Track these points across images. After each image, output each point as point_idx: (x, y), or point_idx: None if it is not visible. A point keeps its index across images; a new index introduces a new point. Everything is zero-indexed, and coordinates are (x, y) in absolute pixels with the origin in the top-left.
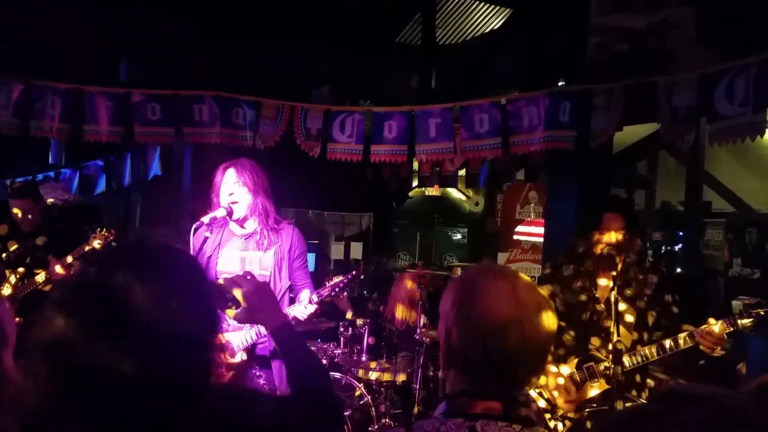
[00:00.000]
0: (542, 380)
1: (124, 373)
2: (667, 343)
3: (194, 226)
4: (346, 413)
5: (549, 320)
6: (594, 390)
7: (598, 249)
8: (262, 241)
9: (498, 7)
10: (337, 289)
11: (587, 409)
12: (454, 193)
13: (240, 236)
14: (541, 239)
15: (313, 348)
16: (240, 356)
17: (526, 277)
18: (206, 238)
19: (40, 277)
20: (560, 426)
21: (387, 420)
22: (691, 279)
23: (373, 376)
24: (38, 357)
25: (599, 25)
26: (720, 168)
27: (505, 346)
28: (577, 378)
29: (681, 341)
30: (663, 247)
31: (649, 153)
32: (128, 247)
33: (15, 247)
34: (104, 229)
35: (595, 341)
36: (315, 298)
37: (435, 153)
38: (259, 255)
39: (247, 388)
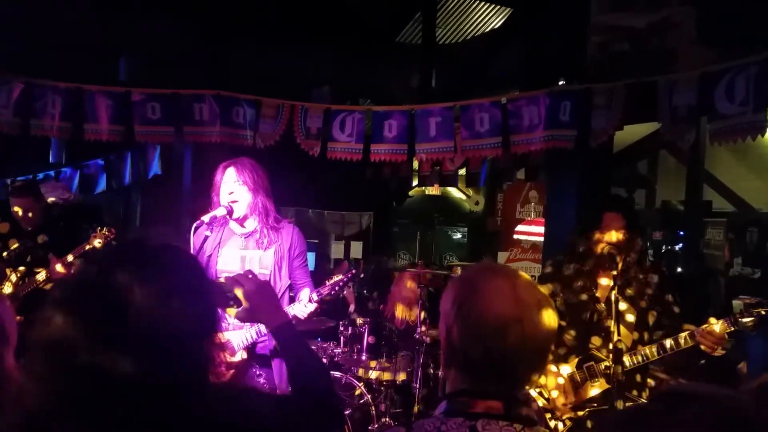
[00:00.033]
0: (542, 380)
1: (124, 372)
2: (668, 342)
3: (194, 225)
4: (347, 412)
5: (549, 318)
6: (594, 389)
7: (599, 248)
8: (262, 240)
9: (498, 7)
10: (336, 288)
11: (588, 409)
12: (454, 192)
13: (240, 235)
14: (542, 239)
15: (313, 347)
16: (240, 355)
17: (526, 276)
18: (206, 237)
19: (41, 275)
20: (560, 426)
21: (387, 419)
22: (691, 278)
23: (373, 375)
24: (38, 356)
25: (599, 25)
26: (720, 167)
27: (506, 345)
28: (578, 377)
29: (681, 341)
30: (663, 247)
31: (650, 152)
32: (128, 246)
33: (16, 245)
34: (105, 228)
35: (596, 341)
36: (315, 297)
37: (435, 152)
38: (259, 254)
39: (247, 387)
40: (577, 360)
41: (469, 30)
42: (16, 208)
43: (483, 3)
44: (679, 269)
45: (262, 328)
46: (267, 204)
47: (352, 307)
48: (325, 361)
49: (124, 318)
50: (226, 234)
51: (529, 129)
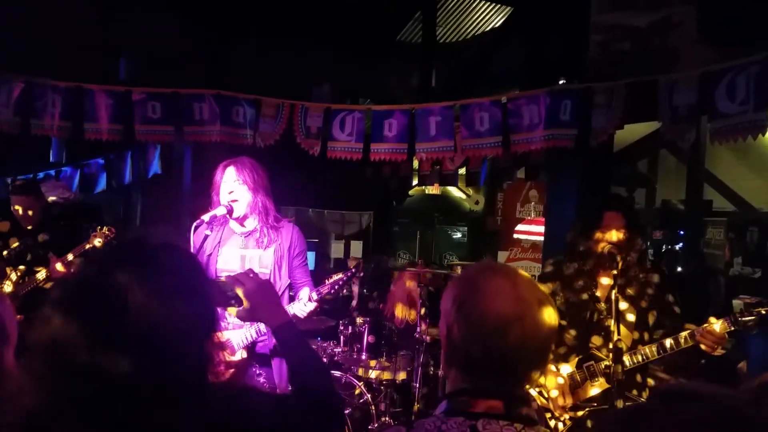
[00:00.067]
0: (542, 379)
1: (124, 371)
2: (668, 342)
3: (194, 224)
4: (347, 411)
5: (550, 317)
6: (594, 389)
7: (599, 247)
8: (262, 239)
9: (499, 6)
10: (336, 287)
11: (588, 408)
12: (454, 191)
13: (240, 234)
14: (542, 238)
15: (313, 346)
16: (240, 354)
17: (526, 275)
18: (206, 236)
19: (41, 274)
20: (560, 425)
21: (387, 418)
22: (691, 278)
23: (373, 374)
24: (38, 355)
25: (600, 24)
26: (721, 166)
27: (506, 344)
28: (578, 377)
29: (681, 340)
30: (663, 246)
31: (650, 151)
32: (128, 245)
33: (16, 244)
34: (105, 228)
35: (596, 340)
36: (314, 296)
37: (435, 151)
38: (259, 253)
39: (246, 386)
40: (577, 359)
41: (470, 29)
42: (16, 207)
43: (483, 2)
44: (679, 269)
45: (262, 327)
46: (267, 203)
47: (354, 303)
48: (325, 360)
49: (123, 317)
50: (226, 233)
51: (530, 128)
